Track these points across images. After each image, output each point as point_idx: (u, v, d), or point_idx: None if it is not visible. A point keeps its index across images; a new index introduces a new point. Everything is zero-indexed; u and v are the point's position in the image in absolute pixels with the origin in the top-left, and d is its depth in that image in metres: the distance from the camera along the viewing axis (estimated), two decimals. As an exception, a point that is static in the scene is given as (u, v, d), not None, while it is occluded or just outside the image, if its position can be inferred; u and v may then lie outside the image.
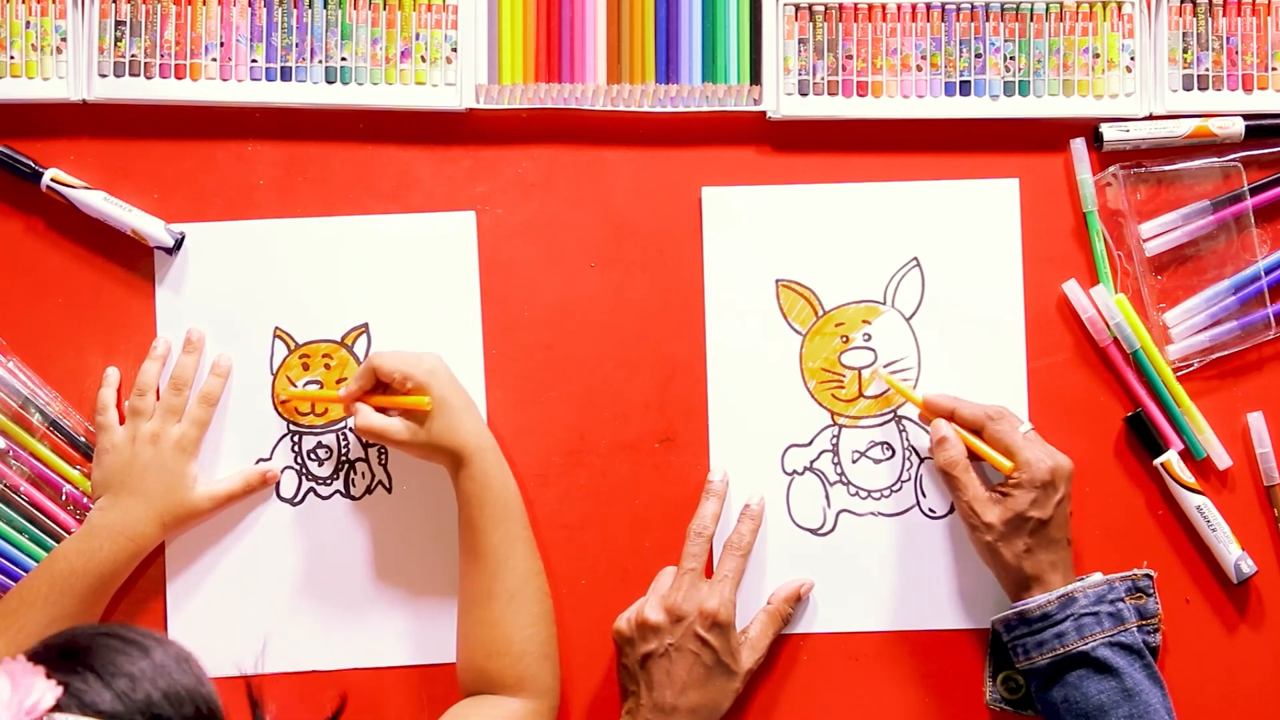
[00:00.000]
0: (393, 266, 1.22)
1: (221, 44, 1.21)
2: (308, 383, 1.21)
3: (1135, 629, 1.13)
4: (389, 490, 1.21)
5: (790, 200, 1.22)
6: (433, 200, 1.22)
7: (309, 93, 1.21)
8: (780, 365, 1.22)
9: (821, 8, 1.21)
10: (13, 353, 1.21)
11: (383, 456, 1.21)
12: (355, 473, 1.21)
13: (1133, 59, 1.21)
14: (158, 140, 1.22)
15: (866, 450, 1.21)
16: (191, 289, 1.21)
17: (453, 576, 1.17)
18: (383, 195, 1.22)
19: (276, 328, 1.21)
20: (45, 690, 0.78)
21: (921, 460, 1.21)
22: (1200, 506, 1.19)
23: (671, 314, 1.22)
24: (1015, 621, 1.13)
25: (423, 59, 1.21)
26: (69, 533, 1.18)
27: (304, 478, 1.21)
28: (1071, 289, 1.21)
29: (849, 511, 1.21)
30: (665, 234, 1.22)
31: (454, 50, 1.21)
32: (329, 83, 1.21)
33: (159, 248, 1.20)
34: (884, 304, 1.22)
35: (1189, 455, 1.21)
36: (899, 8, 1.21)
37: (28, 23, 1.20)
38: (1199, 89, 1.22)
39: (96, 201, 1.20)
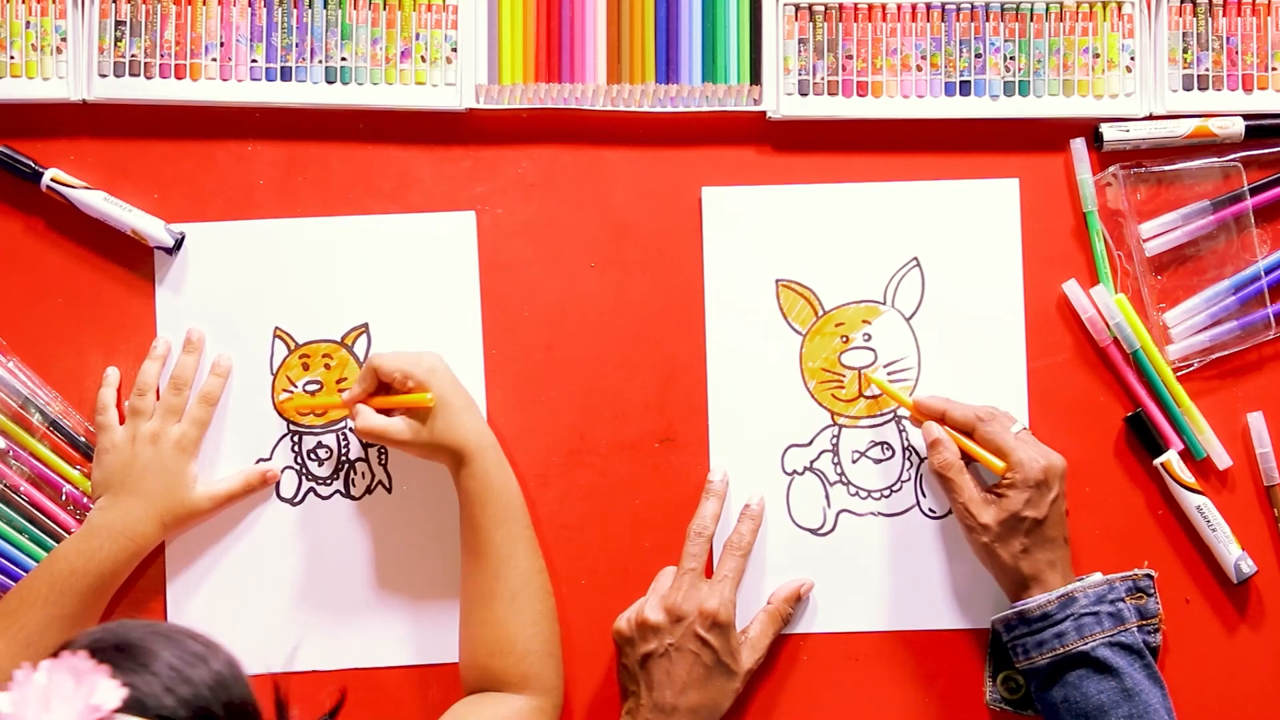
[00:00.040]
0: (393, 266, 1.21)
1: (221, 44, 1.21)
2: (308, 383, 1.21)
3: (1135, 629, 1.12)
4: (389, 490, 1.21)
5: (790, 200, 1.22)
6: (433, 200, 1.22)
7: (309, 93, 1.21)
8: (780, 365, 1.21)
9: (821, 8, 1.21)
10: (13, 353, 1.21)
11: (383, 456, 1.21)
12: (355, 473, 1.21)
13: (1133, 59, 1.21)
14: (158, 140, 1.22)
15: (866, 450, 1.21)
16: (191, 289, 1.21)
17: (453, 576, 1.17)
18: (383, 195, 1.22)
19: (276, 328, 1.21)
20: (110, 691, 0.75)
21: (921, 460, 1.21)
22: (1200, 506, 1.19)
23: (671, 314, 1.22)
24: (1015, 621, 1.13)
25: (423, 59, 1.21)
26: (69, 533, 1.18)
27: (304, 478, 1.21)
28: (1071, 289, 1.21)
29: (849, 511, 1.21)
30: (665, 234, 1.22)
31: (454, 50, 1.21)
32: (329, 83, 1.21)
33: (159, 248, 1.20)
34: (884, 304, 1.22)
35: (1189, 455, 1.21)
36: (899, 8, 1.21)
37: (28, 23, 1.20)
38: (1199, 89, 1.21)
39: (96, 201, 1.19)
